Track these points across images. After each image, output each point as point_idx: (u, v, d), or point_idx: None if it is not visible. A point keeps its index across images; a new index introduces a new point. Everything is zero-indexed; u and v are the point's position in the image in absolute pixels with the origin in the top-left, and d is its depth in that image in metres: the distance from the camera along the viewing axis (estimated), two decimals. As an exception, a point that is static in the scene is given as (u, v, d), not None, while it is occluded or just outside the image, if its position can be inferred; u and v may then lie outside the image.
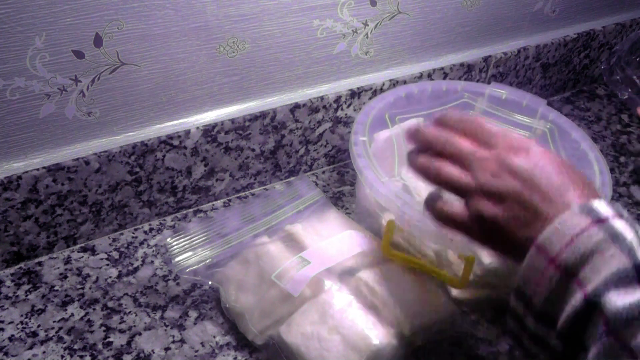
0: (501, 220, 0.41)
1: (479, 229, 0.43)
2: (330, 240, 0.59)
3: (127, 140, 0.63)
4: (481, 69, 0.85)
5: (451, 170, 0.44)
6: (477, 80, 0.86)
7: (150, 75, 0.61)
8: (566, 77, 0.99)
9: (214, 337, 0.58)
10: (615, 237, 0.37)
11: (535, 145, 0.43)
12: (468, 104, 0.72)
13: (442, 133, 0.46)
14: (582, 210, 0.38)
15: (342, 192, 0.76)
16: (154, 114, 0.64)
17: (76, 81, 0.57)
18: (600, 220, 0.38)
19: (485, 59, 0.84)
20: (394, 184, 0.58)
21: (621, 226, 0.38)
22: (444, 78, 0.82)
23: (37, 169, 0.59)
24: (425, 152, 0.47)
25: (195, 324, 0.59)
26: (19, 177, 0.58)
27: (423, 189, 0.62)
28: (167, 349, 0.57)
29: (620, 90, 1.01)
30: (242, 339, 0.57)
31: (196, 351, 0.57)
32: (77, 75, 0.56)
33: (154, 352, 0.56)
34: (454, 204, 0.45)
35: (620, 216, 0.38)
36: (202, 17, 0.59)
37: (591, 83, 1.04)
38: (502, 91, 0.72)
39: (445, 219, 0.46)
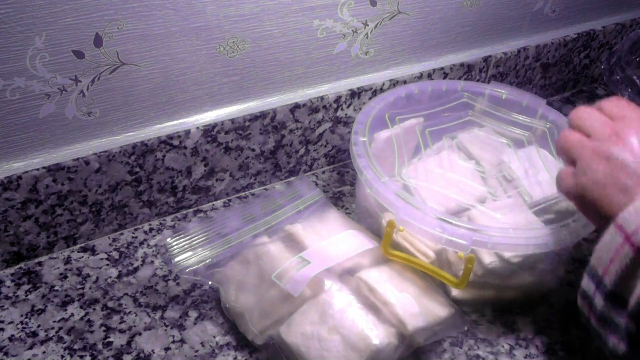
0: (605, 175, 0.44)
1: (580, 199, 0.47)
2: (330, 240, 0.59)
3: (127, 140, 0.63)
4: (481, 69, 0.85)
5: (581, 137, 0.48)
6: (477, 80, 0.86)
7: (150, 75, 0.61)
8: (566, 77, 0.99)
9: (214, 337, 0.58)
10: None
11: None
12: (468, 104, 0.72)
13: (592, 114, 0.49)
14: None
15: (342, 192, 0.76)
16: (154, 114, 0.64)
17: (76, 81, 0.57)
18: None
19: (485, 59, 0.84)
20: (394, 184, 0.58)
21: None
22: (444, 78, 0.82)
23: (37, 169, 0.59)
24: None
25: (195, 324, 0.59)
26: (19, 177, 0.58)
27: (423, 189, 0.62)
28: (167, 349, 0.57)
29: (620, 90, 1.01)
30: (242, 339, 0.57)
31: (196, 351, 0.57)
32: (77, 75, 0.56)
33: (154, 352, 0.56)
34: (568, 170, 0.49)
35: None
36: (202, 17, 0.59)
37: (591, 83, 1.04)
38: (502, 91, 0.72)
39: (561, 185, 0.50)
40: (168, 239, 0.61)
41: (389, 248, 0.58)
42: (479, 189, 0.63)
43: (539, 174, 0.64)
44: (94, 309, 0.60)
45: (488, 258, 0.57)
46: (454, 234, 0.53)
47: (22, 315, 0.59)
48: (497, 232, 0.53)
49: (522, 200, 0.63)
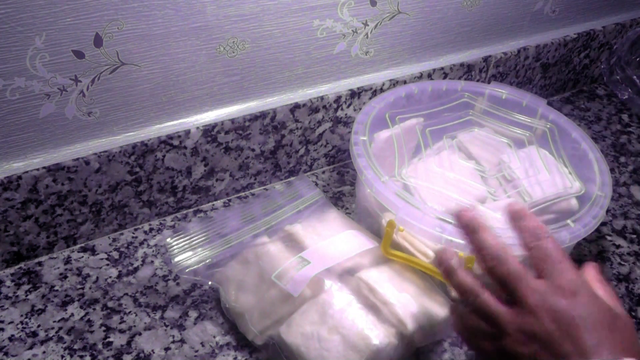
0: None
1: None
2: (330, 240, 0.59)
3: (127, 140, 0.63)
4: (481, 69, 0.85)
5: (488, 299, 0.43)
6: (477, 80, 0.86)
7: (150, 75, 0.61)
8: (566, 77, 0.99)
9: (214, 337, 0.58)
10: None
11: (586, 289, 0.42)
12: (468, 104, 0.72)
13: (496, 244, 0.44)
14: None
15: (342, 192, 0.76)
16: (154, 114, 0.64)
17: (76, 81, 0.57)
18: None
19: (485, 59, 0.84)
20: (394, 184, 0.58)
21: None
22: (444, 78, 0.82)
23: (37, 169, 0.59)
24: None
25: (195, 324, 0.59)
26: (19, 177, 0.58)
27: (423, 188, 0.62)
28: (167, 349, 0.57)
29: (620, 90, 1.01)
30: (242, 339, 0.57)
31: (196, 351, 0.57)
32: (77, 75, 0.56)
33: (154, 352, 0.56)
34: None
35: None
36: (202, 17, 0.59)
37: (591, 83, 1.05)
38: (502, 91, 0.72)
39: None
40: (168, 239, 0.61)
41: (389, 248, 0.58)
42: (479, 188, 0.63)
43: (539, 174, 0.64)
44: (94, 309, 0.60)
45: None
46: (453, 234, 0.53)
47: (22, 315, 0.59)
48: (496, 231, 0.53)
49: (522, 200, 0.63)
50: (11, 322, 0.58)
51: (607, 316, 0.41)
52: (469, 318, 0.45)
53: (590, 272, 0.46)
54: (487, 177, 0.66)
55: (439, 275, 0.56)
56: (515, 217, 0.46)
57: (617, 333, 0.40)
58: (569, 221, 0.55)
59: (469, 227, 0.46)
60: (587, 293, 0.42)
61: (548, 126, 0.70)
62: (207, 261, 0.59)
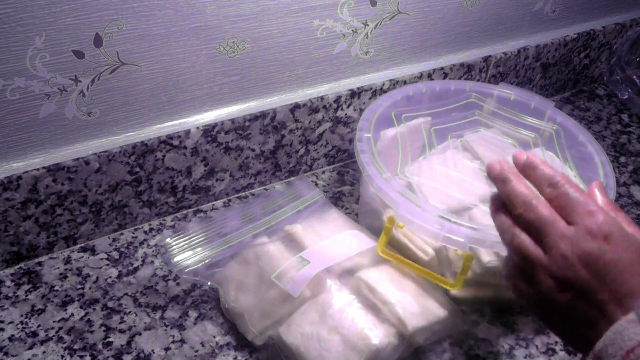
0: (564, 308, 0.39)
1: (542, 307, 0.42)
2: (330, 240, 0.59)
3: (127, 140, 0.63)
4: (481, 69, 0.85)
5: (524, 241, 0.42)
6: (478, 80, 0.86)
7: (150, 75, 0.61)
8: (566, 77, 0.99)
9: (214, 337, 0.58)
10: None
11: (617, 229, 0.39)
12: (476, 104, 0.72)
13: (525, 191, 0.42)
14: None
15: (342, 192, 0.76)
16: (154, 114, 0.64)
17: (76, 81, 0.57)
18: None
19: (485, 59, 0.84)
20: (397, 181, 0.58)
21: None
22: (444, 78, 0.82)
23: (37, 169, 0.59)
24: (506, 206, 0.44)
25: (195, 324, 0.59)
26: (19, 177, 0.58)
27: (426, 187, 0.62)
28: (167, 349, 0.57)
29: (620, 90, 1.01)
30: (242, 339, 0.57)
31: (196, 351, 0.57)
32: (77, 75, 0.56)
33: (154, 352, 0.56)
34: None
35: None
36: (202, 17, 0.59)
37: (591, 83, 1.04)
38: (510, 92, 0.72)
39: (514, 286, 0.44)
40: (168, 239, 0.61)
41: (384, 247, 0.58)
42: (482, 188, 0.63)
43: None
44: (94, 309, 0.60)
45: (487, 257, 0.57)
46: (452, 232, 0.53)
47: (22, 315, 0.59)
48: (495, 231, 0.53)
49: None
50: (11, 322, 0.58)
51: None
52: (510, 255, 0.43)
53: (598, 196, 0.44)
54: (491, 177, 0.66)
55: (433, 278, 0.56)
56: (525, 169, 0.44)
57: None
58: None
59: (497, 180, 0.44)
60: (619, 234, 0.39)
61: (555, 128, 0.69)
62: (207, 261, 0.59)
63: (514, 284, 0.43)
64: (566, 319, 0.40)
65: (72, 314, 0.59)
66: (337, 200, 0.75)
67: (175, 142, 0.65)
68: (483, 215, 0.59)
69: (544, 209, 0.41)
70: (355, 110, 0.76)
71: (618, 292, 0.37)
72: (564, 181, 0.42)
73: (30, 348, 0.56)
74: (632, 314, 0.36)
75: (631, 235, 0.40)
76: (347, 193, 0.76)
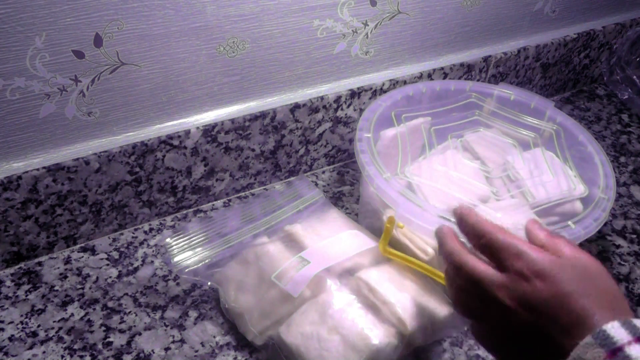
0: (518, 334, 0.40)
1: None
2: (330, 240, 0.59)
3: (127, 140, 0.63)
4: (481, 69, 0.85)
5: (479, 263, 0.43)
6: (477, 80, 0.86)
7: (150, 75, 0.61)
8: (566, 77, 0.99)
9: (214, 337, 0.58)
10: None
11: (548, 264, 0.40)
12: (476, 104, 0.72)
13: (454, 245, 0.44)
14: (597, 338, 0.36)
15: (342, 192, 0.76)
16: (154, 114, 0.64)
17: (76, 81, 0.57)
18: (616, 350, 0.35)
19: (485, 59, 0.84)
20: (397, 181, 0.58)
21: (637, 353, 0.35)
22: (444, 78, 0.82)
23: (37, 169, 0.59)
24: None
25: (195, 324, 0.59)
26: (19, 177, 0.58)
27: (426, 187, 0.62)
28: (167, 349, 0.57)
29: (620, 90, 1.01)
30: (242, 339, 0.57)
31: (196, 351, 0.57)
32: (77, 75, 0.56)
33: (154, 352, 0.56)
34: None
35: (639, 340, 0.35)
36: (202, 17, 0.59)
37: (591, 83, 1.04)
38: (510, 92, 0.72)
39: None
40: (168, 239, 0.61)
41: (387, 246, 0.58)
42: (481, 188, 0.63)
43: (543, 175, 0.64)
44: (94, 309, 0.60)
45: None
46: None
47: (22, 315, 0.59)
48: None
49: (526, 200, 0.63)
50: (11, 322, 0.58)
51: (589, 277, 0.40)
52: (460, 285, 0.44)
53: (531, 234, 0.44)
54: (492, 178, 0.66)
55: (436, 276, 0.56)
56: (458, 220, 0.45)
57: (602, 293, 0.39)
58: (569, 222, 0.55)
59: (457, 217, 0.46)
60: (552, 267, 0.39)
61: (555, 128, 0.69)
62: (207, 261, 0.59)
63: (468, 311, 0.44)
64: (521, 343, 0.40)
65: (72, 314, 0.59)
66: (337, 200, 0.75)
67: (175, 142, 0.65)
68: (483, 215, 0.59)
69: (476, 263, 0.42)
70: (355, 110, 0.76)
71: (567, 325, 0.38)
72: (493, 230, 0.43)
73: (30, 348, 0.56)
74: (588, 337, 0.36)
75: (572, 259, 0.41)
76: (347, 193, 0.76)
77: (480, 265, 0.42)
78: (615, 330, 0.36)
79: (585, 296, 0.38)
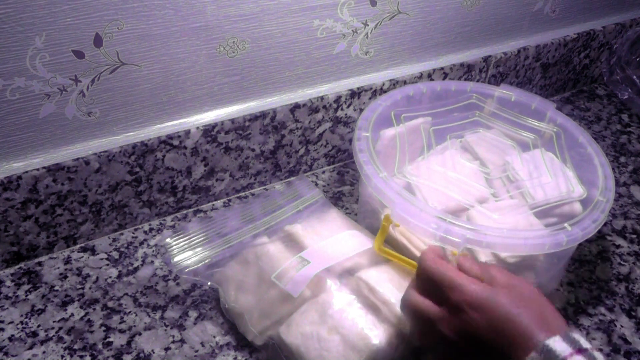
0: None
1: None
2: (330, 240, 0.59)
3: (127, 140, 0.63)
4: (481, 69, 0.85)
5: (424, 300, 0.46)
6: (477, 80, 0.86)
7: (150, 75, 0.61)
8: (566, 77, 0.99)
9: (214, 337, 0.58)
10: None
11: (485, 296, 0.42)
12: (476, 105, 0.72)
13: (432, 258, 0.47)
14: (541, 352, 0.38)
15: (342, 192, 0.76)
16: (154, 114, 0.64)
17: (76, 81, 0.57)
18: None
19: (485, 59, 0.84)
20: (395, 181, 0.58)
21: None
22: (444, 78, 0.82)
23: (37, 169, 0.59)
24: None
25: (195, 324, 0.59)
26: (19, 177, 0.58)
27: (425, 187, 0.62)
28: (167, 349, 0.57)
29: (620, 90, 1.01)
30: (242, 339, 0.57)
31: (196, 351, 0.57)
32: (77, 75, 0.56)
33: (154, 352, 0.56)
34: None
35: (580, 351, 0.38)
36: (202, 17, 0.59)
37: (591, 83, 1.04)
38: (510, 93, 0.72)
39: None
40: (168, 239, 0.61)
41: (382, 244, 0.58)
42: (480, 189, 0.63)
43: (542, 176, 0.64)
44: (94, 309, 0.60)
45: (484, 257, 0.57)
46: (448, 232, 0.52)
47: (22, 315, 0.59)
48: (492, 231, 0.53)
49: (525, 201, 0.63)
50: (11, 322, 0.58)
51: (523, 304, 0.42)
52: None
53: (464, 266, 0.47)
54: (491, 178, 0.66)
55: None
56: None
57: (538, 314, 0.41)
58: (566, 224, 0.55)
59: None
60: (490, 299, 0.42)
61: (555, 130, 0.69)
62: (207, 261, 0.59)
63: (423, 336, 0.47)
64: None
65: (72, 314, 0.59)
66: (337, 200, 0.75)
67: (175, 142, 0.65)
68: (480, 215, 0.59)
69: (424, 302, 0.46)
70: (355, 110, 0.76)
71: (507, 345, 0.40)
72: (433, 265, 0.46)
73: (30, 348, 0.56)
74: (533, 352, 0.38)
75: (506, 286, 0.43)
76: (347, 193, 0.76)
77: (424, 301, 0.46)
78: (557, 344, 0.38)
79: (523, 317, 0.41)
